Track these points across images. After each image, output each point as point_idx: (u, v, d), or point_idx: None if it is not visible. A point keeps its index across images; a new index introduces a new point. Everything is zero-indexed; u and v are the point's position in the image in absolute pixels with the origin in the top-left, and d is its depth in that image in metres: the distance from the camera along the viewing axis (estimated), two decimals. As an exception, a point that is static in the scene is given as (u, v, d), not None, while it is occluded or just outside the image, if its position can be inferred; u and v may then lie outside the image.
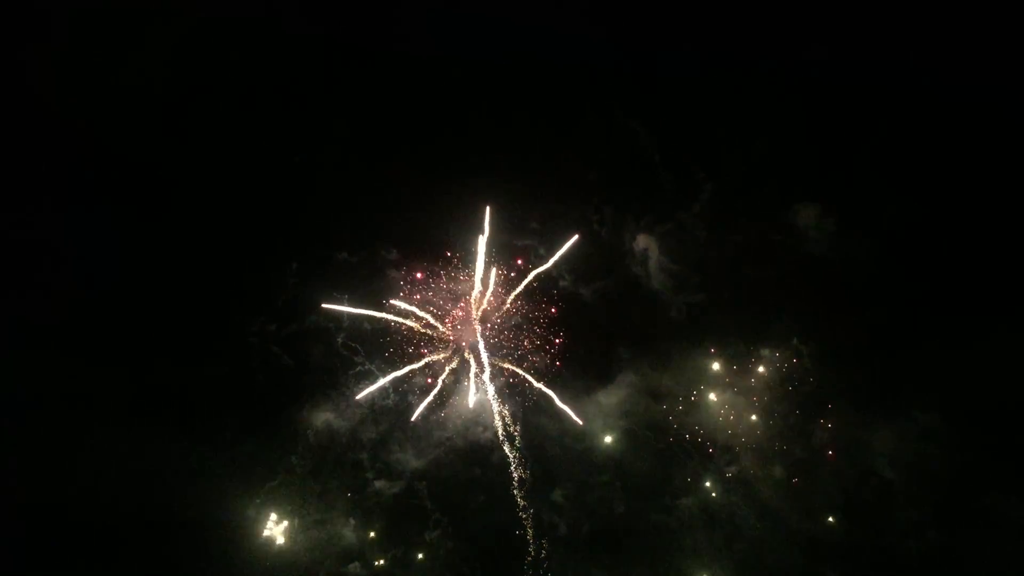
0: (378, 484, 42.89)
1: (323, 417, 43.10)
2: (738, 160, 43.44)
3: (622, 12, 44.37)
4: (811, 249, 41.76)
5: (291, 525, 42.13)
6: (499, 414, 42.99)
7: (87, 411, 40.73)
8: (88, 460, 40.09)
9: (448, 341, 44.29)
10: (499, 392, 43.40)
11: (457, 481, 42.74)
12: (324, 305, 43.24)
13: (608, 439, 42.83)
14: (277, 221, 44.11)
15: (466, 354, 44.13)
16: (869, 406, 40.43)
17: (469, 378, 43.73)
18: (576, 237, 43.33)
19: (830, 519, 40.68)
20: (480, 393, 43.35)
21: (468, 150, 44.41)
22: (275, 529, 42.07)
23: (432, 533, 42.32)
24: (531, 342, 43.86)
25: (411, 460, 43.16)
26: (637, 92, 44.57)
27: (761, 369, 42.19)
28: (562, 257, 43.51)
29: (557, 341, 43.54)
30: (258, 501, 42.04)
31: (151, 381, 41.52)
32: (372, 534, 42.50)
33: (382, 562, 42.04)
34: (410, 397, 43.65)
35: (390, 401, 43.62)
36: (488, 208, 42.35)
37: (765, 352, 42.27)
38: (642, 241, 44.19)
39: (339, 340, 43.90)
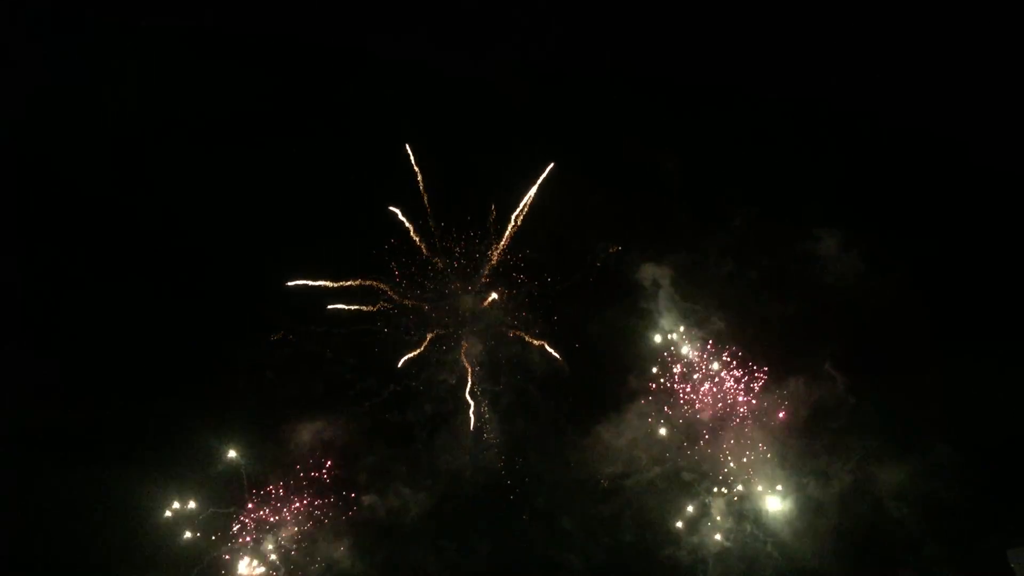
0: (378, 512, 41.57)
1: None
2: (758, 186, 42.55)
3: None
4: (830, 278, 40.59)
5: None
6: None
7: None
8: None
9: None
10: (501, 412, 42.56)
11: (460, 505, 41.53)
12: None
13: (617, 468, 41.57)
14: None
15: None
16: (889, 439, 39.13)
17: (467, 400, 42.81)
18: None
19: (843, 554, 39.14)
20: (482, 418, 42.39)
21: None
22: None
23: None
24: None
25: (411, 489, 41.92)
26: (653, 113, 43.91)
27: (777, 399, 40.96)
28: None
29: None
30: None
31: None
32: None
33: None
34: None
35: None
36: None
37: (780, 383, 41.06)
38: (652, 271, 43.06)
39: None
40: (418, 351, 43.70)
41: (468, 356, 43.75)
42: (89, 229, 43.94)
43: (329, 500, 41.11)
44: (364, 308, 43.74)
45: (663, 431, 41.57)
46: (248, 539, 40.58)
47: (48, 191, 44.06)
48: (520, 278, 44.48)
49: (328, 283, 43.26)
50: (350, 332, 43.70)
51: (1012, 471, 37.88)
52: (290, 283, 43.10)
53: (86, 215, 43.81)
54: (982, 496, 37.98)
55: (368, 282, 43.61)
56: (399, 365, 43.27)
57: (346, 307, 43.46)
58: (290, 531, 40.80)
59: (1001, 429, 37.58)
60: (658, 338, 42.53)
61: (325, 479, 41.35)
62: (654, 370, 42.20)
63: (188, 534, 40.43)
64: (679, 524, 40.61)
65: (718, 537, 40.25)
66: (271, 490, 41.46)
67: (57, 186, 44.01)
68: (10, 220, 43.60)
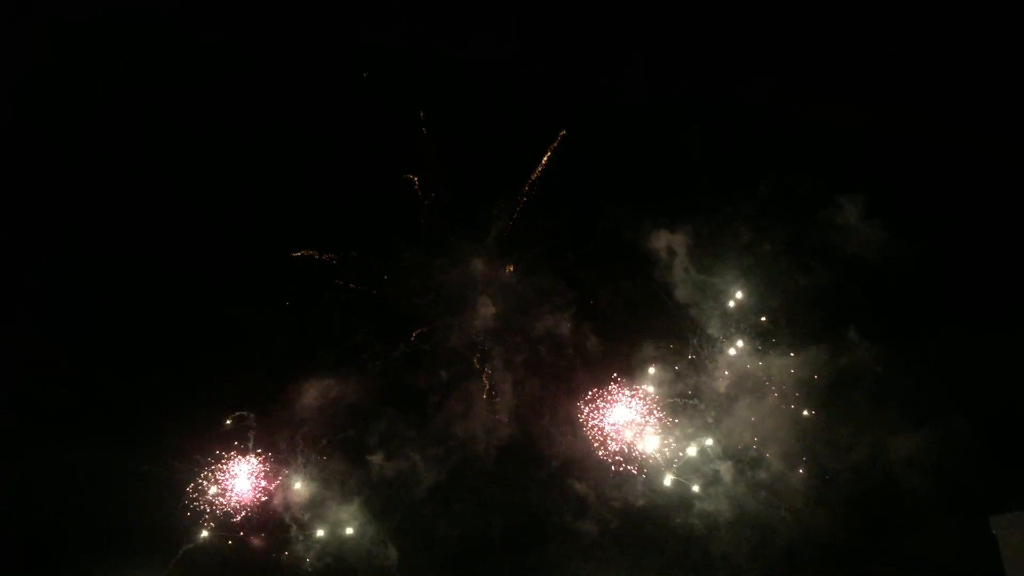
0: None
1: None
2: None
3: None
4: (853, 247, 40.15)
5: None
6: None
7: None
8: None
9: None
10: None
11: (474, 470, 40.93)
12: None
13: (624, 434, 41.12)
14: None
15: None
16: (908, 409, 38.84)
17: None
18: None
19: (858, 523, 39.04)
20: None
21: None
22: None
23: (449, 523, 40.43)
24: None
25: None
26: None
27: (792, 370, 40.60)
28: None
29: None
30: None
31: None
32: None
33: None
34: None
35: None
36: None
37: (793, 352, 40.68)
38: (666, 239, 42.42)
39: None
40: (429, 316, 43.08)
41: (481, 320, 43.07)
42: (95, 198, 43.00)
43: (339, 461, 40.28)
44: (374, 274, 43.04)
45: (678, 399, 41.10)
46: (255, 496, 39.75)
47: (52, 157, 42.96)
48: (533, 245, 43.93)
49: (332, 256, 42.40)
50: (360, 298, 43.01)
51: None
52: (296, 253, 42.43)
53: (93, 184, 43.01)
54: (998, 468, 37.94)
55: (378, 251, 42.97)
56: (410, 329, 42.60)
57: (355, 274, 42.75)
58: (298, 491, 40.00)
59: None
60: (675, 307, 41.86)
61: (336, 440, 40.49)
62: (671, 339, 41.64)
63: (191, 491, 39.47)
64: (694, 489, 40.18)
65: (731, 505, 39.89)
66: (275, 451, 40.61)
67: (61, 151, 43.02)
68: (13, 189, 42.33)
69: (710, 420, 40.79)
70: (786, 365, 40.31)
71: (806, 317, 40.61)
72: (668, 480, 40.35)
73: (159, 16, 44.22)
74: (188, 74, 44.49)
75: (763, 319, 41.29)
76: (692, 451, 40.62)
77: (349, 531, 39.67)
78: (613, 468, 40.69)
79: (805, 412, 39.96)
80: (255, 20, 44.30)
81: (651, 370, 41.40)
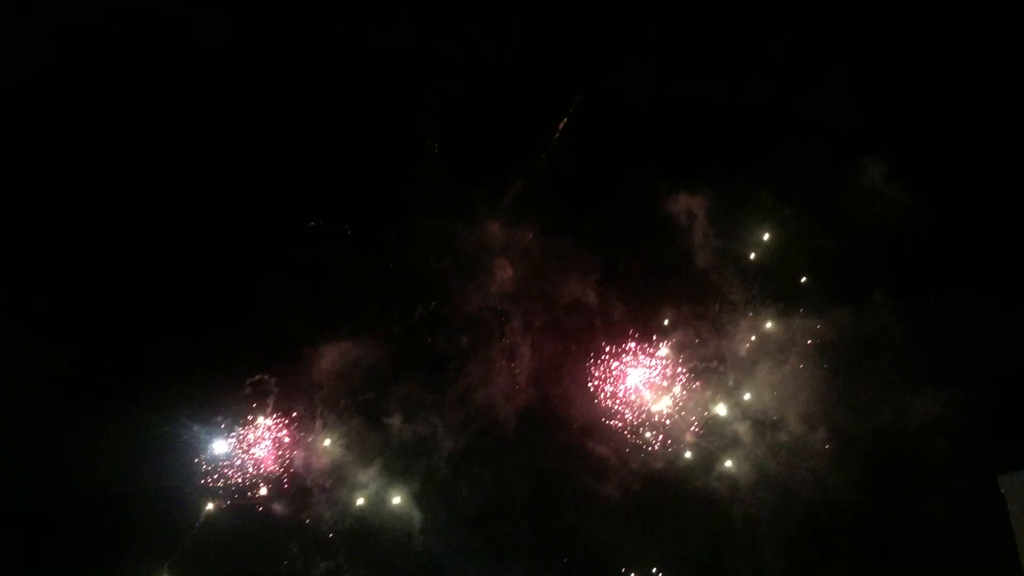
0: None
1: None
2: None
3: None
4: (877, 208, 39.83)
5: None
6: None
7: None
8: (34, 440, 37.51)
9: None
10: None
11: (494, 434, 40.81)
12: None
13: (645, 397, 41.00)
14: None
15: None
16: (930, 371, 38.90)
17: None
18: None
19: (876, 484, 39.34)
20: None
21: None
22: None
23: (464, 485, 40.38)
24: None
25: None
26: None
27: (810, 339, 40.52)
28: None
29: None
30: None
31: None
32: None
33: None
34: None
35: None
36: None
37: (815, 314, 40.56)
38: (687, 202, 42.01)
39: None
40: (446, 280, 42.67)
41: (498, 285, 42.69)
42: (105, 170, 41.98)
43: (359, 425, 40.09)
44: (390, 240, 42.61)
45: (699, 363, 40.97)
46: (274, 460, 39.60)
47: (61, 125, 41.99)
48: (551, 209, 43.45)
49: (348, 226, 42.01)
50: (376, 265, 42.56)
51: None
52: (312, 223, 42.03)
53: (104, 155, 41.94)
54: (1008, 427, 38.03)
55: (394, 217, 42.52)
56: (428, 294, 42.24)
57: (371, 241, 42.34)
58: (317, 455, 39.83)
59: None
60: (696, 271, 41.63)
61: (356, 403, 40.27)
62: (691, 302, 41.45)
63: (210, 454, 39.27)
64: (715, 453, 40.22)
65: (752, 468, 39.93)
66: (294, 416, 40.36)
67: (72, 119, 41.98)
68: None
69: (731, 383, 40.67)
70: (808, 328, 40.17)
71: (828, 280, 40.48)
72: (689, 443, 40.32)
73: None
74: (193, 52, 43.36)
75: (784, 282, 40.97)
76: (712, 414, 40.53)
77: (370, 494, 39.40)
78: (633, 432, 40.61)
79: (826, 375, 39.82)
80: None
81: (672, 334, 41.11)
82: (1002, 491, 36.65)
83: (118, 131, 41.82)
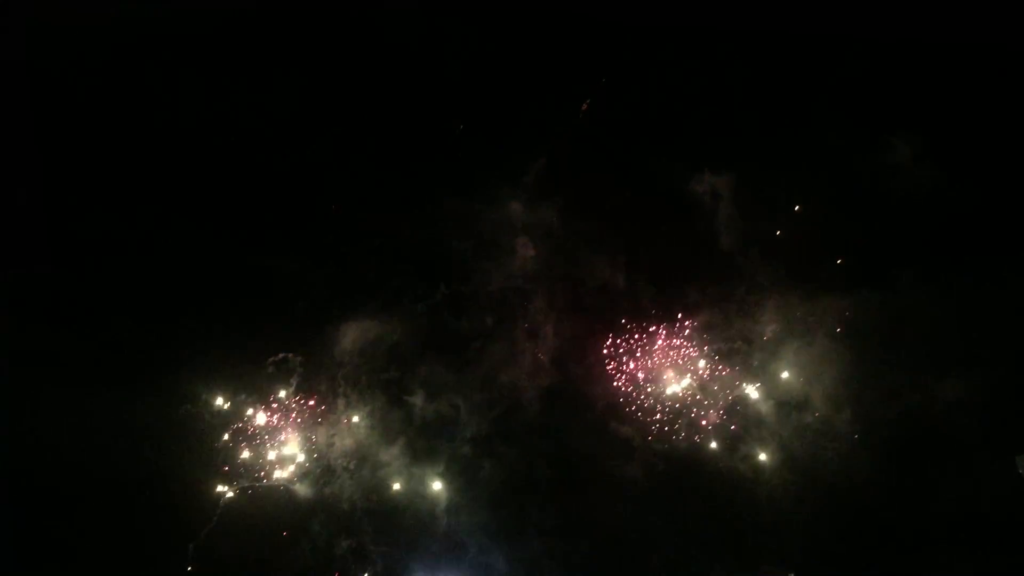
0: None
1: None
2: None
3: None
4: (905, 189, 39.49)
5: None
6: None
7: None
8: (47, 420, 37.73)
9: None
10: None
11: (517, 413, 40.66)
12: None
13: (669, 378, 40.82)
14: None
15: None
16: (956, 352, 38.63)
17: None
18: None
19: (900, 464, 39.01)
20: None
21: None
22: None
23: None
24: None
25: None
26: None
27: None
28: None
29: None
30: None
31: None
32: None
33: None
34: None
35: None
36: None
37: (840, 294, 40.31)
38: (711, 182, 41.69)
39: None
40: (469, 259, 42.53)
41: (520, 263, 42.48)
42: (126, 142, 41.84)
43: (382, 403, 40.03)
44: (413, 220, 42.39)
45: (724, 343, 40.79)
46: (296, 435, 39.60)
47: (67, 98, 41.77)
48: (573, 188, 43.19)
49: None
50: (399, 244, 42.34)
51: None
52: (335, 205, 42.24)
53: (123, 127, 41.82)
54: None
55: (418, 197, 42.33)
56: (450, 273, 42.10)
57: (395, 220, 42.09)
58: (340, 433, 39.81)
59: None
60: (721, 251, 41.39)
61: (379, 381, 40.20)
62: (716, 282, 41.23)
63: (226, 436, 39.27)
64: (737, 432, 40.07)
65: (776, 448, 39.81)
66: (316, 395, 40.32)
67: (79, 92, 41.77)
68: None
69: (756, 364, 40.49)
70: (835, 309, 39.91)
71: (855, 261, 40.22)
72: (713, 424, 40.18)
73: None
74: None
75: (811, 263, 40.70)
76: (737, 395, 40.39)
77: (393, 473, 39.41)
78: (657, 413, 40.49)
79: (852, 356, 39.57)
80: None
81: (696, 315, 40.91)
82: (1020, 472, 36.77)
83: (144, 106, 42.01)
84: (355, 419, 39.96)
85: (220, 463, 38.96)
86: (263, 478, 39.17)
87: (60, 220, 40.46)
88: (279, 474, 39.44)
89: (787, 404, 39.99)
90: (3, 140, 39.94)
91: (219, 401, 39.29)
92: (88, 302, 40.21)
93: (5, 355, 38.25)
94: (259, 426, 39.60)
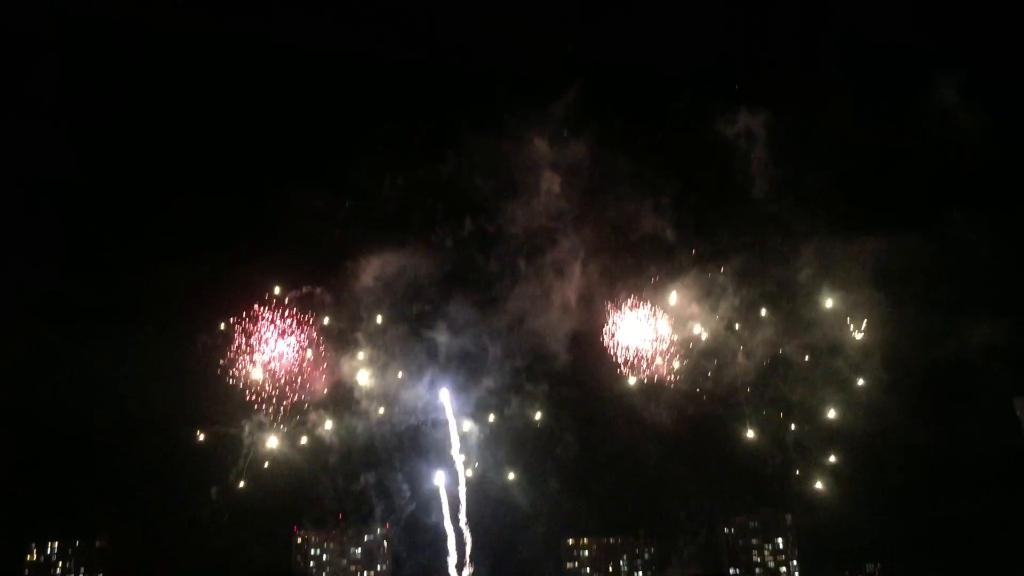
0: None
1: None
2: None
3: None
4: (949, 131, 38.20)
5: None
6: None
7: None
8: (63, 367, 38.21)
9: None
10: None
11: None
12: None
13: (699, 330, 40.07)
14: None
15: None
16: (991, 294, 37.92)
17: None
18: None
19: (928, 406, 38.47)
20: None
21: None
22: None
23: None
24: None
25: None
26: None
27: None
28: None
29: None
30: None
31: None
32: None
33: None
34: None
35: None
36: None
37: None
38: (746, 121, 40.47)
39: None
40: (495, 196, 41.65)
41: (545, 203, 41.47)
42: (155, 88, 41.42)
43: (406, 336, 39.60)
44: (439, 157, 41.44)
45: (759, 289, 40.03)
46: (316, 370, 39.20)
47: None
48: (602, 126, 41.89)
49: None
50: (425, 180, 41.45)
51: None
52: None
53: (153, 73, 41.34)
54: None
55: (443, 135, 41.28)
56: (477, 210, 41.29)
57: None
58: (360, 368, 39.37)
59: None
60: (756, 194, 40.40)
61: (406, 315, 39.69)
62: (752, 227, 40.37)
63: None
64: (767, 376, 39.51)
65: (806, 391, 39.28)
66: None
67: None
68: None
69: (788, 310, 39.81)
70: (871, 254, 39.08)
71: (892, 207, 39.27)
72: (743, 367, 39.66)
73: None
74: None
75: (847, 209, 39.71)
76: (769, 339, 39.80)
77: (413, 408, 39.19)
78: (686, 357, 39.93)
79: (889, 302, 38.84)
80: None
81: (730, 260, 40.16)
82: (1017, 414, 36.33)
83: (161, 53, 41.29)
84: (375, 353, 39.45)
85: (239, 401, 38.53)
86: (282, 416, 38.80)
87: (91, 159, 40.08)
88: (298, 409, 39.08)
89: (818, 350, 39.29)
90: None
91: (237, 337, 38.76)
92: (108, 251, 40.05)
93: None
94: (279, 362, 39.10)
